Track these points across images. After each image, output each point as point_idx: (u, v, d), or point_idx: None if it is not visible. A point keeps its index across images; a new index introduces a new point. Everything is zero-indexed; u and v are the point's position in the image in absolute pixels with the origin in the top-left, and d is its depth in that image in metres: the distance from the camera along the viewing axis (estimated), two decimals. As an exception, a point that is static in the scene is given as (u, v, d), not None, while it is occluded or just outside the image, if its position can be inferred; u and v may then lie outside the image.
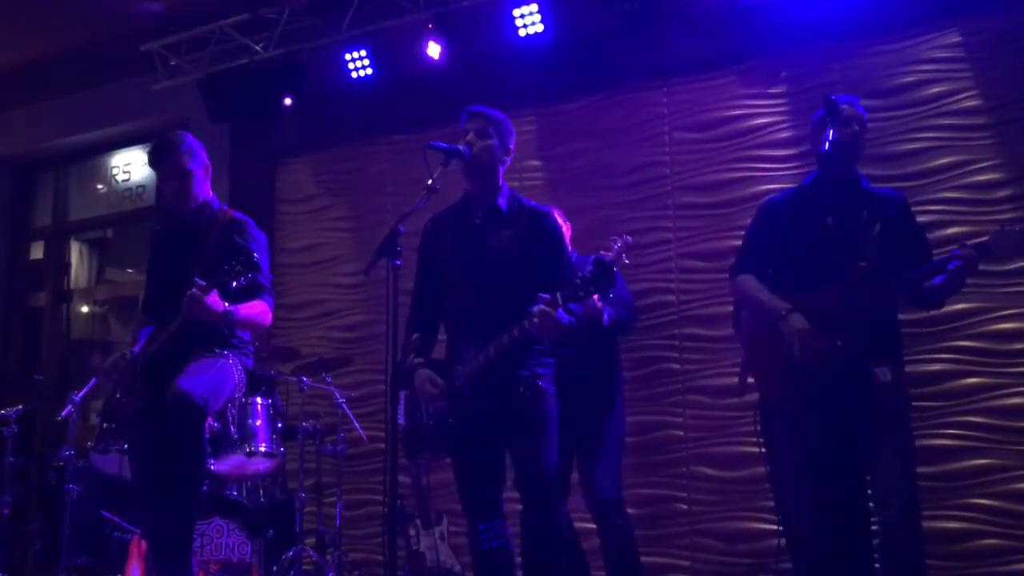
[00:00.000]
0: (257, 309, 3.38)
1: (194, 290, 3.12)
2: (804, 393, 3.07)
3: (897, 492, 2.95)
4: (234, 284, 3.15)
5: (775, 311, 3.10)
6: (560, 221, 4.33)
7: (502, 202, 3.22)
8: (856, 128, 3.23)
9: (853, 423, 3.05)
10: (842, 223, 3.07)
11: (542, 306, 2.85)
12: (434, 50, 5.51)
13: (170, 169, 3.51)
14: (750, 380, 3.35)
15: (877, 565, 3.00)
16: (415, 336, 3.22)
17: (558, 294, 2.86)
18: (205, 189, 3.59)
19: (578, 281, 2.85)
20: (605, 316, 4.01)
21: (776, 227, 3.28)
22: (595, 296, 3.86)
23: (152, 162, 3.57)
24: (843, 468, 3.09)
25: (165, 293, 3.41)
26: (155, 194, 7.28)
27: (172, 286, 3.31)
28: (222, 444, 4.37)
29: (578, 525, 4.18)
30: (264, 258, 3.47)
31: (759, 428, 3.77)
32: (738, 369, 4.65)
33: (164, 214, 3.83)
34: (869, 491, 3.10)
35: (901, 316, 3.31)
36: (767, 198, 3.49)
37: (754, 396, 3.38)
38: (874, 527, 3.06)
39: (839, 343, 2.98)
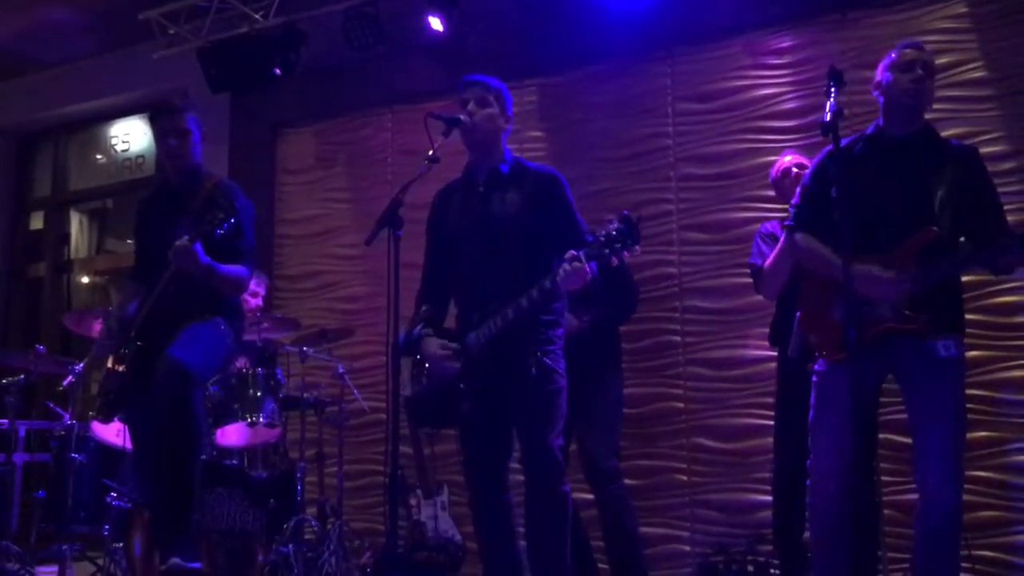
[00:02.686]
0: (236, 270, 3.40)
1: (181, 240, 3.13)
2: (861, 359, 2.83)
3: (937, 465, 2.84)
4: (217, 232, 3.16)
5: (840, 268, 2.78)
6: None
7: (504, 167, 3.21)
8: (920, 73, 3.02)
9: (907, 393, 2.96)
10: (908, 180, 2.91)
11: (575, 262, 2.80)
12: (436, 23, 5.47)
13: (172, 126, 3.52)
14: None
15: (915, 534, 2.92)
16: (424, 307, 3.21)
17: (582, 253, 2.81)
18: (198, 155, 3.60)
19: (603, 239, 2.80)
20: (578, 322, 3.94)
21: (836, 177, 2.95)
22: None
23: (156, 118, 3.57)
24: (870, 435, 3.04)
25: (153, 260, 3.40)
26: (155, 164, 7.25)
27: (160, 253, 3.31)
28: (223, 414, 4.38)
29: (576, 496, 4.19)
30: (249, 224, 3.47)
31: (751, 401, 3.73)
32: (739, 341, 4.67)
33: (154, 184, 3.83)
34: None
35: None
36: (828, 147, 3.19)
37: (758, 367, 3.37)
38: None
39: (908, 313, 2.85)
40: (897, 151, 3.03)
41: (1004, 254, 2.87)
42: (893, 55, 3.10)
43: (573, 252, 2.82)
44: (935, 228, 2.89)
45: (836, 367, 2.97)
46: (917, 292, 2.85)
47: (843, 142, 2.99)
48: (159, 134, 3.58)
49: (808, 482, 3.05)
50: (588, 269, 2.82)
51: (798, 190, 3.27)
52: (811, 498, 3.05)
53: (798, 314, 3.21)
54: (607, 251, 2.79)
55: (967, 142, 4.44)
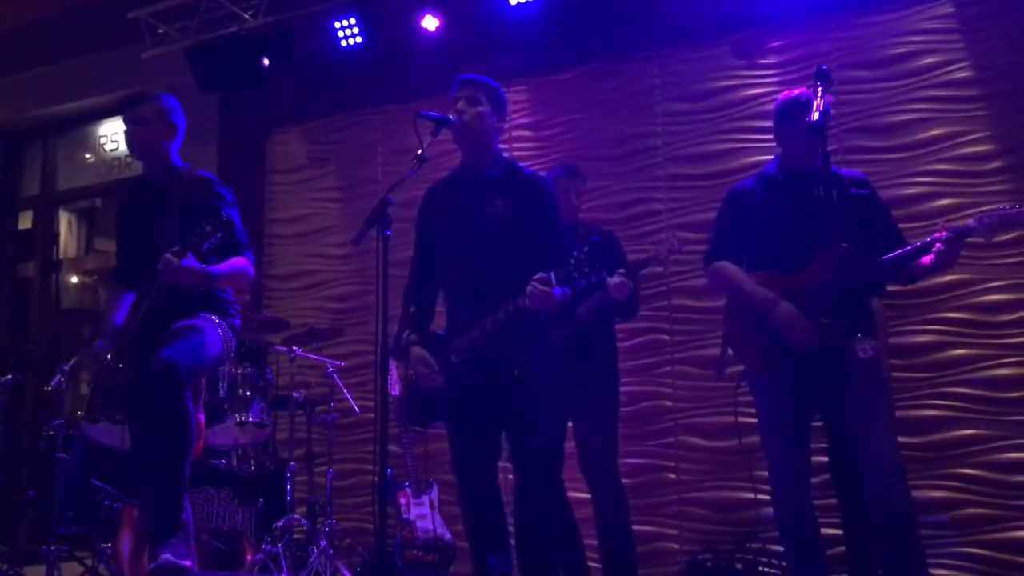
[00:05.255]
0: (236, 265, 3.37)
1: (167, 255, 3.13)
2: (785, 370, 3.09)
3: (882, 460, 2.94)
4: (206, 246, 3.15)
5: (764, 301, 3.12)
6: None
7: (496, 170, 3.21)
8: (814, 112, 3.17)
9: (835, 398, 3.07)
10: (814, 204, 3.04)
11: (536, 285, 2.86)
12: (431, 23, 5.49)
13: (130, 115, 3.50)
14: (730, 352, 3.38)
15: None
16: (411, 310, 3.22)
17: (552, 274, 2.85)
18: (172, 151, 3.56)
19: (572, 262, 2.84)
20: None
21: (747, 212, 3.28)
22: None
23: (123, 107, 3.54)
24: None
25: (137, 260, 3.38)
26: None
27: (143, 252, 3.29)
28: (213, 414, 4.37)
29: (571, 495, 4.20)
30: (234, 213, 3.44)
31: (739, 399, 3.86)
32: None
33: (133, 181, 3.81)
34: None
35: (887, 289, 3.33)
36: (733, 185, 3.44)
37: (738, 368, 3.40)
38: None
39: (825, 320, 2.98)
40: (799, 184, 3.17)
41: (903, 263, 3.06)
42: (787, 96, 3.26)
43: (542, 274, 2.86)
44: (845, 244, 3.00)
45: (763, 384, 3.20)
46: (832, 301, 2.98)
47: (747, 183, 3.33)
48: (127, 123, 3.56)
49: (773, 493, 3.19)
50: (556, 292, 2.86)
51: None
52: (776, 507, 3.20)
53: (723, 332, 3.36)
54: (575, 275, 2.83)
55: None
